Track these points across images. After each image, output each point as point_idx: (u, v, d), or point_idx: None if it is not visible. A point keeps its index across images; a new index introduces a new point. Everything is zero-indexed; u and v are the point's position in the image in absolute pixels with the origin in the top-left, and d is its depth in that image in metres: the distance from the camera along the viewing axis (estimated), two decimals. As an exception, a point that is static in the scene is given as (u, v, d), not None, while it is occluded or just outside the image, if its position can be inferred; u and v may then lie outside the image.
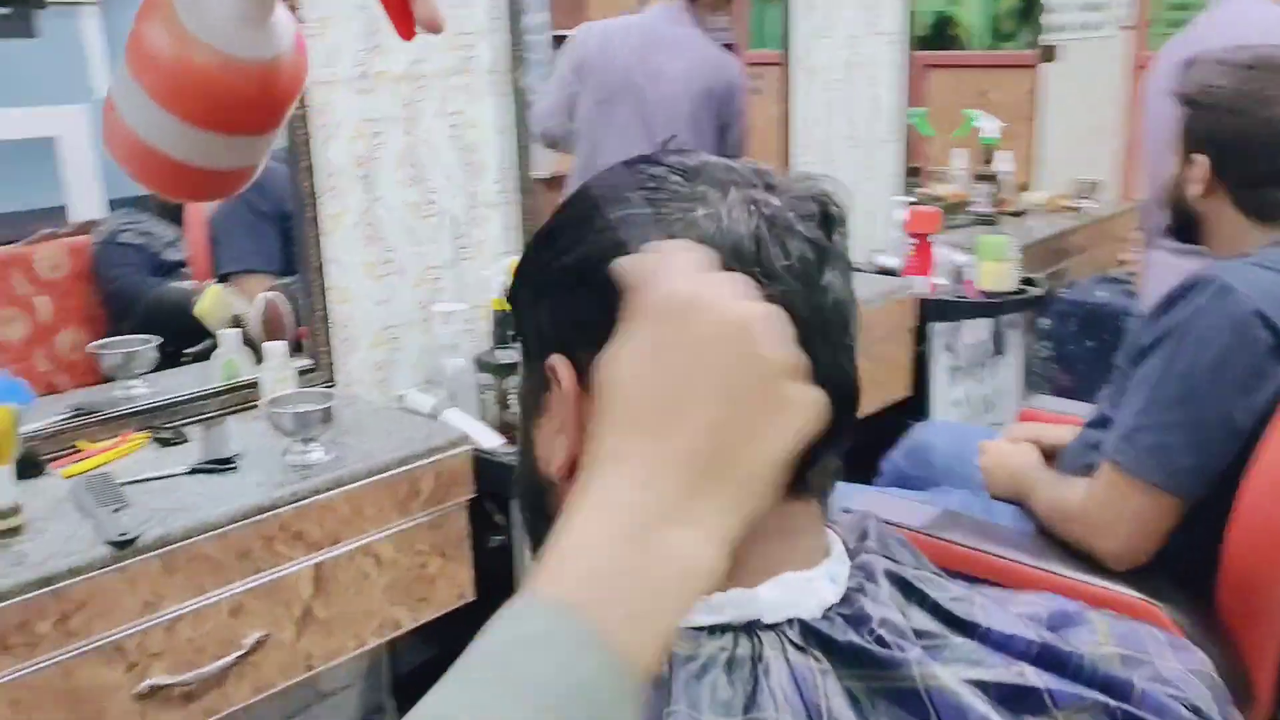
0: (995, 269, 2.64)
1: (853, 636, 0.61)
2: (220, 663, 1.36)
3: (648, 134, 2.52)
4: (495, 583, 1.70)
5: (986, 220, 3.43)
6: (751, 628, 0.61)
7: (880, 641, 0.61)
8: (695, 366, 0.49)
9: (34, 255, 2.62)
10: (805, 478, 0.63)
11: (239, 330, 1.82)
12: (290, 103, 0.72)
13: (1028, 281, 2.79)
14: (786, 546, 0.63)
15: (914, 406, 2.69)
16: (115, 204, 2.69)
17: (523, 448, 0.70)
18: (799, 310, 0.59)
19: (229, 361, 1.77)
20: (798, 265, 0.60)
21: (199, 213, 2.54)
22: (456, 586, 1.63)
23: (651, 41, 2.66)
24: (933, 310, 2.66)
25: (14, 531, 1.28)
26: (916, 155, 3.53)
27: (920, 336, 2.69)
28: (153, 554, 1.29)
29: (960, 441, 2.15)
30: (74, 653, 1.23)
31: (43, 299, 2.63)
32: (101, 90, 2.79)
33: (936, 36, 4.82)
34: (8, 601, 1.18)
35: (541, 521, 0.67)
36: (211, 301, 2.16)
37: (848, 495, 1.91)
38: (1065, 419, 2.12)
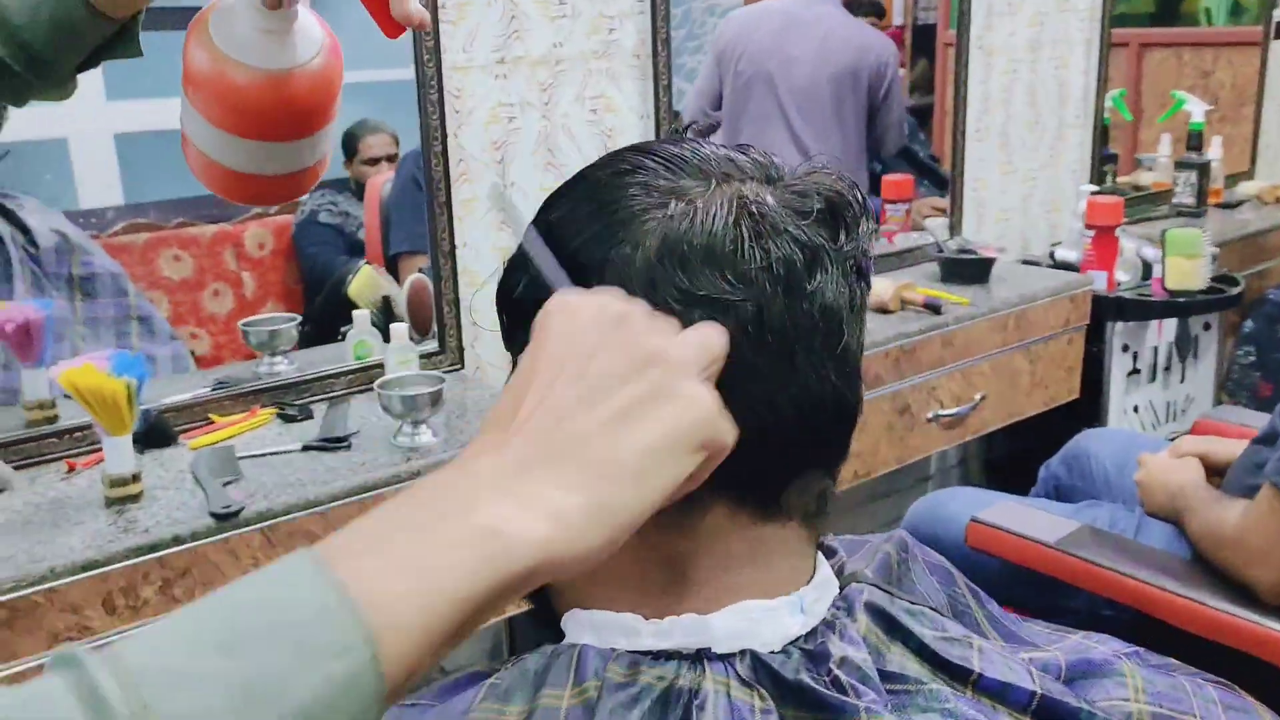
0: (1184, 265, 2.43)
1: (804, 676, 0.55)
2: (318, 636, 1.40)
3: (785, 123, 2.44)
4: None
5: (1190, 212, 3.17)
6: (700, 657, 0.57)
7: (835, 683, 0.55)
8: (557, 351, 0.47)
9: (243, 234, 2.81)
10: (779, 498, 0.58)
11: (369, 312, 1.87)
12: (326, 107, 0.74)
13: (1224, 280, 2.55)
14: (753, 572, 0.58)
15: (1085, 411, 2.51)
16: (319, 185, 2.85)
17: None
18: (773, 318, 0.55)
19: (360, 342, 1.82)
20: (778, 268, 0.55)
21: (375, 195, 2.64)
22: (562, 575, 1.62)
23: (787, 25, 2.57)
24: (1110, 308, 2.47)
25: (133, 499, 1.36)
26: (1118, 141, 3.29)
27: (1097, 336, 2.51)
28: (254, 527, 1.34)
29: (1126, 452, 1.99)
30: (175, 617, 1.29)
31: (249, 275, 2.81)
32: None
33: (1165, 13, 4.50)
34: (116, 565, 1.25)
35: None
36: (361, 282, 2.24)
37: (985, 503, 1.80)
38: (1246, 433, 1.93)
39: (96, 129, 2.66)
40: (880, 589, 0.63)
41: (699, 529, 0.57)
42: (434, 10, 1.79)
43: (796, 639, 0.58)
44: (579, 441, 0.45)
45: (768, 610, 0.58)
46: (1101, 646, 0.69)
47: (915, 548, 0.73)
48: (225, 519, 1.32)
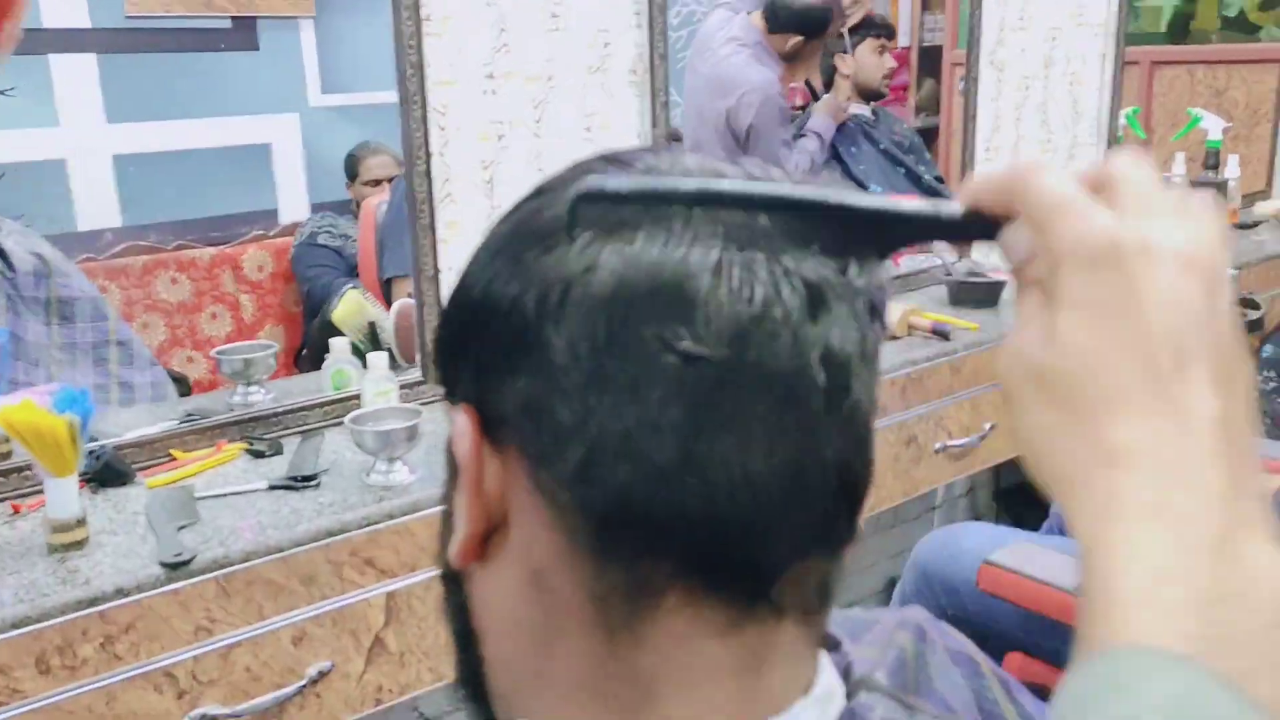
0: (1204, 289, 2.32)
1: None
2: (279, 693, 1.29)
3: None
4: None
5: (1207, 232, 3.06)
6: None
7: None
8: (1175, 319, 0.37)
9: (242, 256, 2.73)
10: (768, 593, 0.46)
11: (347, 340, 1.77)
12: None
13: (1246, 303, 2.44)
14: (737, 686, 0.46)
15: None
16: (316, 207, 2.78)
17: (444, 513, 0.57)
18: (760, 371, 0.43)
19: (338, 371, 1.72)
20: (771, 309, 0.43)
21: (370, 216, 2.55)
22: (547, 622, 1.52)
23: (699, 47, 2.53)
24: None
25: (76, 546, 1.26)
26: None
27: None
28: (207, 576, 1.24)
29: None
30: (119, 677, 1.19)
31: (247, 297, 2.73)
32: (314, 100, 2.88)
33: (1176, 32, 4.42)
34: (49, 621, 1.15)
35: (453, 612, 0.54)
36: (346, 307, 2.15)
37: (998, 540, 1.69)
38: (1273, 466, 1.83)
39: (96, 151, 2.59)
40: (898, 700, 0.52)
41: (662, 635, 0.45)
42: (417, 23, 1.69)
43: None
44: (1242, 436, 0.37)
45: None
46: None
47: (933, 632, 0.61)
48: (175, 568, 1.22)
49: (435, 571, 1.46)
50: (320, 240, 2.69)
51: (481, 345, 0.47)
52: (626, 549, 0.44)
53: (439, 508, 1.53)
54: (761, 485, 0.44)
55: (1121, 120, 2.99)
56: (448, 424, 0.54)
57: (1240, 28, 4.39)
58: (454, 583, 0.53)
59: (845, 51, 2.78)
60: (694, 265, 0.43)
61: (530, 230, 0.47)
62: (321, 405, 1.69)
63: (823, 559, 0.48)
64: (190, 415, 1.66)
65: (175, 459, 1.53)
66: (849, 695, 0.50)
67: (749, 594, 0.46)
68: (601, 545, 0.45)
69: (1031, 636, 1.60)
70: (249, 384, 1.75)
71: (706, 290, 0.43)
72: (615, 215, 0.45)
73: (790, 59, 2.64)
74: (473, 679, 0.53)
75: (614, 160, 0.49)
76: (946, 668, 0.58)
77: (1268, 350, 2.81)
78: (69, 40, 2.51)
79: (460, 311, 0.50)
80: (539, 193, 0.50)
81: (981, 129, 2.60)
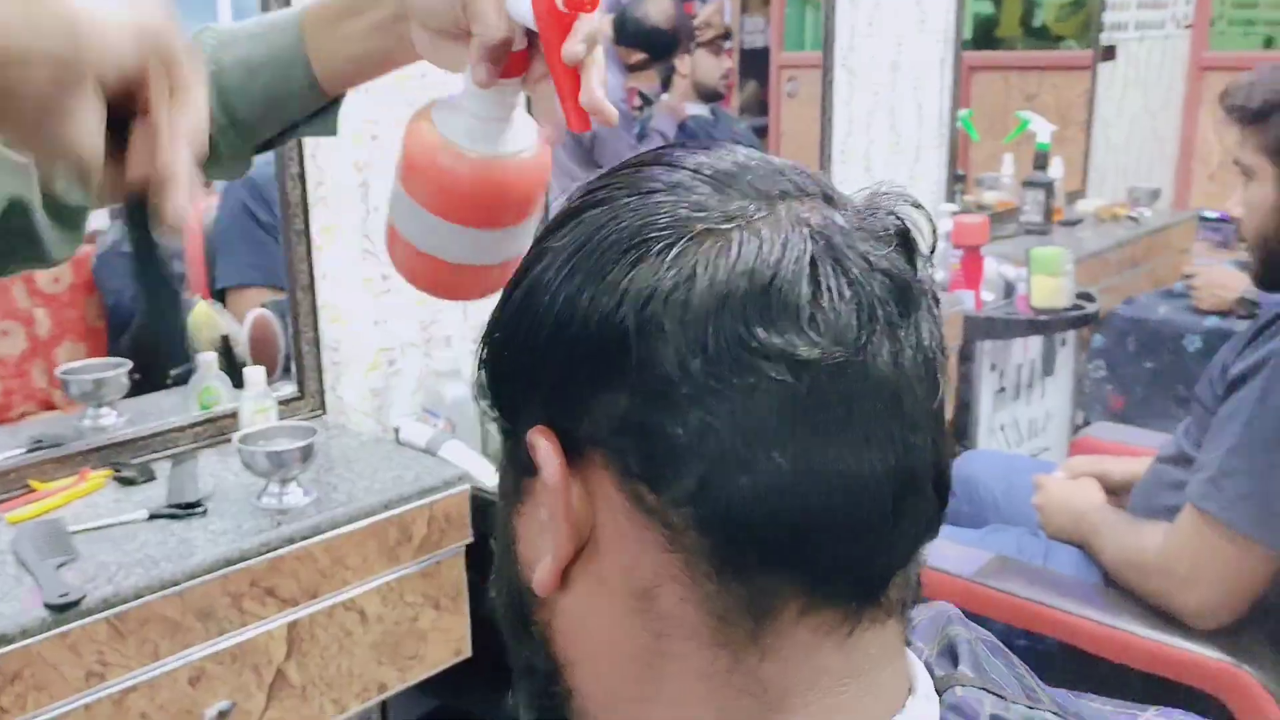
0: (1049, 284, 2.45)
1: None
2: (177, 737, 1.20)
3: None
4: (496, 636, 1.53)
5: (1037, 230, 3.23)
6: None
7: None
8: None
9: (35, 266, 2.51)
10: (879, 596, 0.46)
11: (215, 354, 1.67)
12: (536, 197, 0.71)
13: (1083, 297, 2.59)
14: (856, 690, 0.45)
15: (955, 431, 2.50)
16: (117, 213, 2.59)
17: (502, 543, 0.53)
18: (871, 373, 0.43)
19: (206, 389, 1.61)
20: (870, 309, 0.44)
21: (196, 224, 2.40)
22: (452, 642, 1.46)
23: None
24: (980, 328, 2.47)
25: (-59, 590, 1.13)
26: (962, 161, 3.34)
27: (965, 356, 2.50)
28: (98, 616, 1.14)
29: (1009, 473, 1.97)
30: (2, 732, 1.08)
31: (41, 311, 2.51)
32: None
33: (981, 39, 4.64)
34: (-78, 676, 1.03)
35: (527, 643, 0.50)
36: (198, 320, 2.02)
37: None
38: (1126, 449, 1.94)
39: None
40: (992, 693, 0.51)
41: (788, 646, 0.44)
42: (285, 17, 1.60)
43: None
44: None
45: None
46: None
47: (968, 624, 0.61)
48: (64, 609, 1.11)
49: (343, 596, 1.38)
50: (125, 249, 2.52)
51: (562, 365, 0.45)
52: (747, 563, 0.43)
53: (341, 529, 1.45)
54: (876, 487, 0.44)
55: (958, 123, 3.13)
56: (503, 448, 0.51)
57: (1042, 37, 4.65)
58: (519, 611, 0.49)
59: (686, 52, 2.79)
60: (793, 268, 0.43)
61: (606, 242, 0.45)
62: (192, 426, 1.58)
63: (918, 555, 0.48)
64: (38, 442, 1.52)
65: (34, 489, 1.40)
66: (939, 690, 0.50)
67: (864, 597, 0.46)
68: (721, 562, 0.43)
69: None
70: (99, 405, 1.62)
71: (809, 293, 0.42)
72: (699, 220, 0.44)
73: (633, 69, 2.65)
74: (554, 712, 0.49)
75: (671, 162, 0.47)
76: (989, 658, 0.58)
77: (1097, 341, 2.98)
78: None
79: (530, 332, 0.46)
80: (596, 203, 0.47)
81: (839, 134, 2.66)
